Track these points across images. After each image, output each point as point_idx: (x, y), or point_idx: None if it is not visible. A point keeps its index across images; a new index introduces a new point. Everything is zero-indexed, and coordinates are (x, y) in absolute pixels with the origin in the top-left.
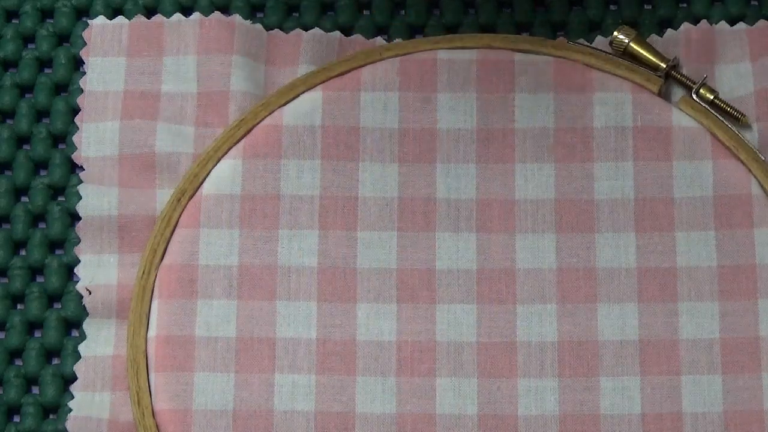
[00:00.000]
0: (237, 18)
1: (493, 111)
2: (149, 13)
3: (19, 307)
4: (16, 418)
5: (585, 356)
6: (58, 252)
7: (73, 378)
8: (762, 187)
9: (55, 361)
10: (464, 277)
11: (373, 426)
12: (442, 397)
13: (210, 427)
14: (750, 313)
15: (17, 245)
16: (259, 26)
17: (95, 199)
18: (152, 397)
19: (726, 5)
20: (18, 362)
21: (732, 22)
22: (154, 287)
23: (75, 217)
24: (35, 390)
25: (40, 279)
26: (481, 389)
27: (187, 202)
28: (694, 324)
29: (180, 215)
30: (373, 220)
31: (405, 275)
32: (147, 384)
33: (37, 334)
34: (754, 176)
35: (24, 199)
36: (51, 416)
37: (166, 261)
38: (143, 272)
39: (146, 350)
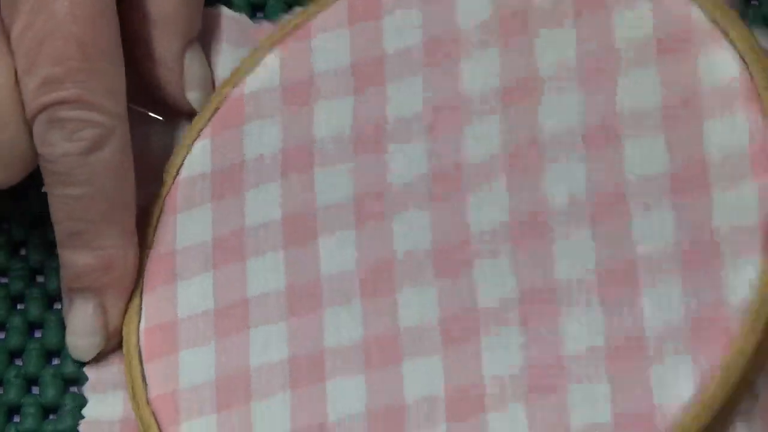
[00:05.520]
0: (222, 9)
1: (437, 20)
2: None
3: (19, 307)
4: (16, 418)
5: (537, 227)
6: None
7: (74, 378)
8: (703, 11)
9: (55, 362)
10: (419, 183)
11: (343, 354)
12: (405, 309)
13: (196, 400)
14: (697, 137)
15: (17, 245)
16: (243, 16)
17: None
18: (147, 387)
19: None
20: (18, 362)
21: None
22: (143, 280)
23: None
24: (35, 390)
25: (40, 279)
26: (441, 292)
27: (168, 191)
28: (640, 163)
29: (162, 205)
30: (329, 156)
31: (361, 199)
32: (140, 375)
33: (37, 334)
34: (696, 3)
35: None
36: (51, 416)
37: (152, 252)
38: None
39: (138, 343)
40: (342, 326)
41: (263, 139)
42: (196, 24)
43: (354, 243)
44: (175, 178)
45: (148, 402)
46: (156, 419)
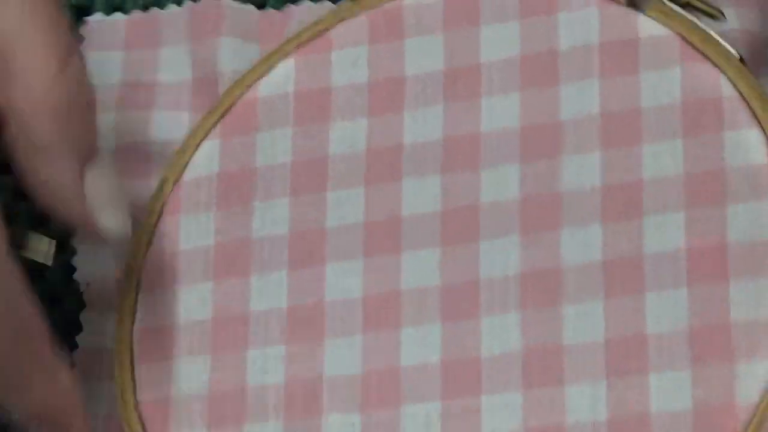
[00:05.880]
0: (226, 1)
1: (459, 48)
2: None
3: None
4: None
5: (548, 286)
6: None
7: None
8: (734, 85)
9: None
10: (431, 220)
11: (341, 387)
12: (407, 347)
13: (186, 411)
14: (720, 219)
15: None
16: (250, 6)
17: None
18: (137, 388)
19: None
20: None
21: None
22: (140, 279)
23: None
24: None
25: (39, 279)
26: (445, 334)
27: (171, 190)
28: (659, 237)
29: (163, 204)
30: (342, 178)
31: (372, 228)
32: (130, 376)
33: None
34: (726, 75)
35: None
36: None
37: (150, 251)
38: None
39: (131, 343)
40: (342, 358)
41: (276, 151)
42: (90, 139)
43: (361, 272)
44: (179, 177)
45: (136, 406)
46: (143, 426)
